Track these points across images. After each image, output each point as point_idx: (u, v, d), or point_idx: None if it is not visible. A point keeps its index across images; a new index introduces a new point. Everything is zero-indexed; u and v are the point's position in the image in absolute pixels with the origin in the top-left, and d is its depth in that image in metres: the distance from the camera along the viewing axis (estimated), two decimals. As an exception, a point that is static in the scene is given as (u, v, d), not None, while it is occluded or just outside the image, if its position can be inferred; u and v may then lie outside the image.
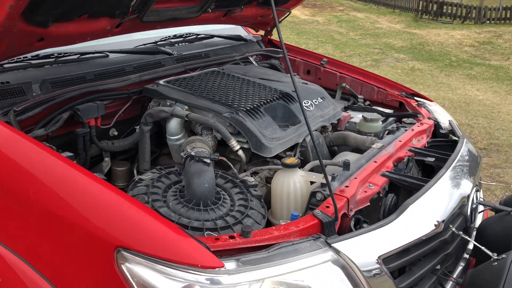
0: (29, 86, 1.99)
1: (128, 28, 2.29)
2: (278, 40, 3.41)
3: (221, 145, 2.16)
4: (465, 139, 2.32)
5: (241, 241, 1.40)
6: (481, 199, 2.06)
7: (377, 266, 1.47)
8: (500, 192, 4.47)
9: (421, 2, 16.25)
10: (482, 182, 2.36)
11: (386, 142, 2.21)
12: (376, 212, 1.91)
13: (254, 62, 3.04)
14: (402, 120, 2.63)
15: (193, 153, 1.78)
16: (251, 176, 2.00)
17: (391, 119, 2.72)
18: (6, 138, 1.62)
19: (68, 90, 2.04)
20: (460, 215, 1.85)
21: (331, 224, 1.52)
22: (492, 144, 5.65)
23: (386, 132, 2.48)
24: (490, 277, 1.56)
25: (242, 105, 2.13)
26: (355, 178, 1.81)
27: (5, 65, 2.05)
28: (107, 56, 2.44)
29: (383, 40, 12.86)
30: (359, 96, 3.02)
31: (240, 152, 2.01)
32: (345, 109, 2.85)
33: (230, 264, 1.31)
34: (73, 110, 2.04)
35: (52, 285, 1.42)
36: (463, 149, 2.21)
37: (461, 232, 1.75)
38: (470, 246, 2.01)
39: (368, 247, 1.51)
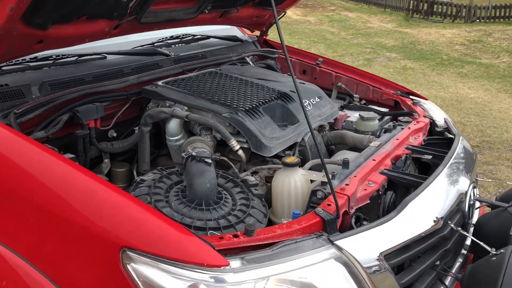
0: (28, 88, 1.99)
1: (126, 30, 2.30)
2: (273, 40, 3.44)
3: (220, 145, 2.18)
4: (460, 137, 2.35)
5: (245, 239, 1.41)
6: (477, 196, 2.09)
7: (379, 262, 1.50)
8: (493, 189, 4.52)
9: (411, 1, 16.36)
10: (478, 179, 2.39)
11: (384, 141, 2.23)
12: (375, 209, 1.94)
13: (250, 63, 3.06)
14: (398, 118, 2.66)
15: (194, 153, 1.80)
16: (252, 176, 2.01)
17: (387, 117, 2.75)
18: (8, 140, 1.62)
19: (67, 92, 2.05)
20: (458, 212, 1.89)
21: (333, 221, 1.54)
22: (485, 142, 5.71)
23: (383, 130, 2.51)
24: (489, 272, 1.59)
25: (241, 105, 2.15)
26: (355, 176, 1.83)
27: (4, 68, 2.05)
28: (105, 57, 2.44)
29: (375, 39, 12.93)
30: (354, 95, 3.04)
31: (240, 152, 2.03)
32: (341, 108, 2.87)
33: (235, 263, 1.33)
34: (72, 112, 2.05)
35: (57, 286, 1.42)
36: (459, 146, 2.25)
37: (459, 228, 1.77)
38: (468, 242, 2.04)
39: (370, 244, 1.53)
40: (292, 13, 15.96)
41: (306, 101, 2.38)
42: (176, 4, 2.39)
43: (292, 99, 2.35)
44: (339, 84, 3.11)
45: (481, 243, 1.70)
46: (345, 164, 1.89)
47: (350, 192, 1.70)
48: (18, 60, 2.11)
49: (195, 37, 3.05)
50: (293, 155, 2.19)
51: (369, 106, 2.92)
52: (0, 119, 1.80)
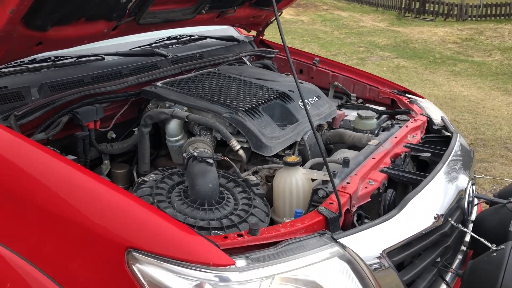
0: (28, 90, 1.99)
1: (125, 31, 2.30)
2: (270, 40, 3.45)
3: (219, 146, 2.19)
4: (458, 134, 2.37)
5: (250, 238, 1.42)
6: (476, 193, 2.11)
7: (382, 259, 1.51)
8: (488, 186, 4.56)
9: (404, 0, 16.43)
10: (476, 176, 2.42)
11: (382, 139, 2.25)
12: (375, 207, 1.95)
13: (248, 63, 3.06)
14: (396, 117, 2.68)
15: (195, 154, 1.80)
16: (253, 175, 2.02)
17: (384, 116, 2.77)
18: (10, 142, 1.62)
19: (67, 94, 2.05)
20: (458, 209, 1.91)
21: (335, 220, 1.56)
22: (479, 139, 5.75)
23: (381, 129, 2.53)
24: (490, 267, 1.61)
25: (241, 105, 2.16)
26: (356, 174, 1.85)
27: (2, 70, 2.04)
28: (103, 59, 2.44)
29: (368, 38, 12.98)
30: (352, 94, 3.06)
31: (241, 152, 2.03)
32: (339, 107, 2.89)
33: (240, 262, 1.34)
34: (72, 113, 2.04)
35: (61, 288, 1.43)
36: (457, 144, 2.27)
37: (459, 225, 1.79)
38: (467, 239, 2.06)
39: (372, 241, 1.54)
40: (285, 12, 15.89)
41: (305, 100, 2.39)
42: (174, 5, 2.40)
43: (291, 98, 2.36)
44: (336, 83, 3.13)
45: (482, 239, 1.71)
46: (345, 162, 1.90)
47: (351, 191, 1.71)
48: (17, 62, 2.10)
49: (192, 37, 3.06)
50: (293, 154, 2.20)
51: (366, 105, 2.93)
52: (0, 121, 1.79)
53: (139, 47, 2.73)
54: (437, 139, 2.52)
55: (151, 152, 2.38)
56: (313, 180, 1.91)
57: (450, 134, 2.47)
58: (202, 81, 2.45)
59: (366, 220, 1.73)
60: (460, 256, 2.01)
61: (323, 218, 1.55)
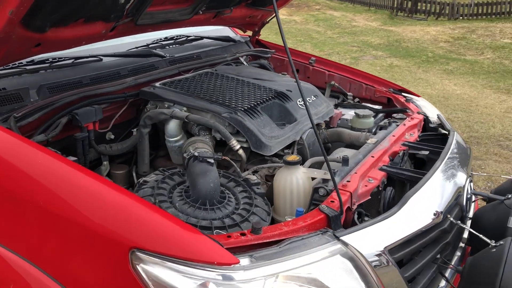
0: (27, 92, 1.98)
1: (122, 32, 2.30)
2: (266, 40, 3.45)
3: (218, 146, 2.19)
4: (455, 132, 2.39)
5: (253, 237, 1.43)
6: (474, 190, 2.13)
7: (384, 256, 1.52)
8: (483, 183, 4.60)
9: (395, -1, 16.55)
10: (473, 173, 2.44)
11: (380, 137, 2.27)
12: (374, 205, 1.96)
13: (245, 63, 3.07)
14: (392, 115, 2.69)
15: (196, 154, 1.81)
16: (253, 174, 2.03)
17: (380, 115, 2.79)
18: (11, 144, 1.62)
19: (66, 95, 2.04)
20: (457, 206, 1.93)
21: (337, 218, 1.57)
22: (472, 137, 5.80)
23: (378, 127, 2.54)
24: (489, 263, 1.62)
25: (240, 105, 2.16)
26: (355, 173, 1.86)
27: (0, 72, 2.03)
28: (101, 60, 2.44)
29: (361, 38, 13.04)
30: (348, 93, 3.08)
31: (241, 152, 2.04)
32: (336, 106, 2.90)
33: (244, 260, 1.34)
34: (71, 114, 2.04)
35: (65, 289, 1.43)
36: (454, 142, 2.29)
37: (459, 222, 1.81)
38: (465, 235, 2.08)
39: (374, 238, 1.55)
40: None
41: (302, 100, 2.40)
42: (172, 6, 2.40)
43: (289, 98, 2.37)
44: (332, 82, 3.14)
45: (481, 236, 1.73)
46: (345, 161, 1.91)
47: (352, 189, 1.72)
48: (15, 64, 2.10)
49: (188, 38, 3.06)
50: (292, 153, 2.21)
51: (363, 103, 2.95)
52: (0, 123, 1.79)
53: (136, 48, 2.73)
54: (433, 137, 2.54)
55: (150, 152, 2.38)
56: (313, 178, 1.92)
57: (446, 132, 2.50)
58: (200, 81, 2.45)
59: (366, 218, 1.74)
60: (458, 253, 2.03)
61: (324, 216, 1.56)
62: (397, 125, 2.47)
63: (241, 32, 3.54)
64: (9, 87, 1.98)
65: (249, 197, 1.79)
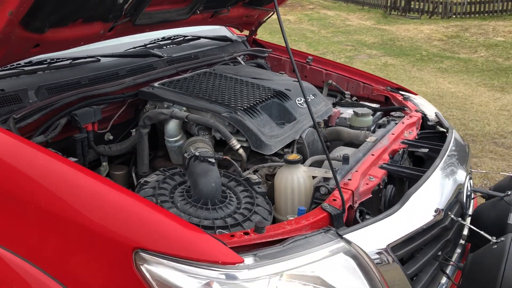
0: (25, 93, 1.97)
1: (120, 32, 2.29)
2: (263, 40, 3.45)
3: (217, 145, 2.19)
4: (453, 130, 2.40)
5: (256, 236, 1.43)
6: (473, 187, 2.14)
7: (386, 254, 1.53)
8: (479, 181, 4.62)
9: (389, -2, 16.60)
10: (472, 170, 2.46)
11: (380, 136, 2.27)
12: (375, 203, 1.97)
13: (242, 62, 3.07)
14: (390, 114, 2.70)
15: (197, 154, 1.81)
16: (254, 174, 2.03)
17: (378, 113, 2.80)
18: (10, 146, 1.61)
19: (65, 96, 2.03)
20: (457, 203, 1.94)
21: (339, 216, 1.57)
22: (468, 135, 5.82)
23: (377, 126, 2.55)
24: (491, 259, 1.63)
25: (239, 105, 2.16)
26: (356, 171, 1.86)
27: (-1, 73, 2.03)
28: (99, 60, 2.43)
29: (355, 37, 13.06)
30: (346, 92, 3.08)
31: (241, 151, 2.04)
32: (334, 105, 2.90)
33: (248, 259, 1.34)
34: (70, 115, 2.03)
35: (68, 290, 1.42)
36: (453, 139, 2.30)
37: (459, 219, 1.82)
38: (465, 232, 2.09)
39: (377, 236, 1.56)
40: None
41: (301, 99, 2.41)
42: (170, 6, 2.40)
43: (288, 97, 2.37)
44: (330, 81, 3.15)
45: (482, 232, 1.74)
46: (345, 159, 1.92)
47: (353, 187, 1.73)
48: (13, 65, 2.08)
49: (186, 38, 3.06)
50: (292, 152, 2.21)
51: (361, 102, 2.96)
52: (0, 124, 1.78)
53: (134, 48, 2.72)
54: (432, 135, 2.55)
55: (149, 153, 2.38)
56: (313, 177, 1.92)
57: (444, 130, 2.51)
58: (199, 81, 2.45)
59: (367, 216, 1.75)
60: (459, 250, 2.04)
61: (327, 214, 1.57)
62: (396, 123, 2.48)
63: (238, 32, 3.54)
64: (7, 89, 1.97)
65: (250, 196, 1.79)
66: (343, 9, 18.17)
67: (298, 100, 2.38)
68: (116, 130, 2.34)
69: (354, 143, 2.39)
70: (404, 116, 2.60)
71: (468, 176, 2.07)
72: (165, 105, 2.21)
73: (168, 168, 1.91)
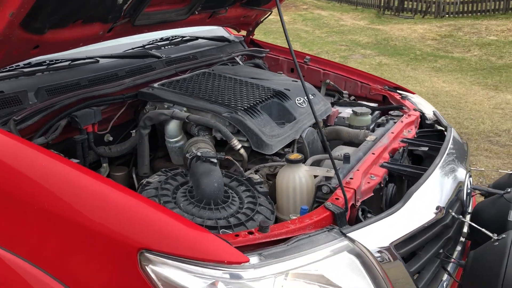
0: (25, 94, 1.96)
1: (119, 33, 2.29)
2: (260, 40, 3.46)
3: (218, 145, 2.19)
4: (452, 128, 2.42)
5: (260, 236, 1.43)
6: (473, 185, 2.16)
7: (390, 252, 1.54)
8: (474, 179, 4.65)
9: (382, -2, 16.66)
10: (472, 168, 2.47)
11: (379, 135, 2.28)
12: (375, 202, 1.98)
13: (240, 62, 3.08)
14: (389, 113, 2.71)
15: (199, 154, 1.81)
16: (255, 173, 2.03)
17: (376, 112, 2.81)
18: (12, 147, 1.60)
19: (65, 97, 2.03)
20: (458, 200, 1.95)
21: (342, 215, 1.58)
22: (463, 133, 5.86)
23: (376, 125, 2.56)
24: (493, 257, 1.64)
25: (239, 105, 2.17)
26: (358, 170, 1.87)
27: (-2, 75, 2.02)
28: (98, 61, 2.43)
29: (349, 37, 13.10)
30: (343, 91, 3.09)
31: (242, 151, 2.04)
32: (332, 104, 2.91)
33: (253, 259, 1.35)
34: (70, 117, 2.03)
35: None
36: (452, 137, 2.31)
37: (461, 216, 1.83)
38: (465, 230, 2.10)
39: (380, 234, 1.57)
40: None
41: (301, 99, 2.42)
42: (168, 6, 2.40)
43: (288, 97, 2.38)
44: (328, 81, 3.16)
45: (483, 230, 1.75)
46: (346, 158, 1.93)
47: (355, 186, 1.74)
48: (12, 67, 2.08)
49: (184, 38, 3.05)
50: (292, 152, 2.22)
51: (359, 101, 2.97)
52: (0, 126, 1.77)
53: (132, 49, 2.71)
54: (430, 133, 2.56)
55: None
56: (315, 176, 1.93)
57: (443, 128, 2.52)
58: (198, 81, 2.45)
59: (369, 215, 1.75)
60: (459, 247, 2.06)
61: (330, 213, 1.57)
62: (395, 122, 2.49)
63: (235, 32, 3.55)
64: (7, 90, 1.96)
65: (252, 196, 1.79)
66: (336, 9, 18.22)
67: (297, 100, 2.39)
68: (115, 131, 2.33)
69: (354, 142, 2.40)
70: (402, 115, 2.62)
71: (468, 174, 2.09)
72: (165, 106, 2.21)
73: (170, 168, 1.91)
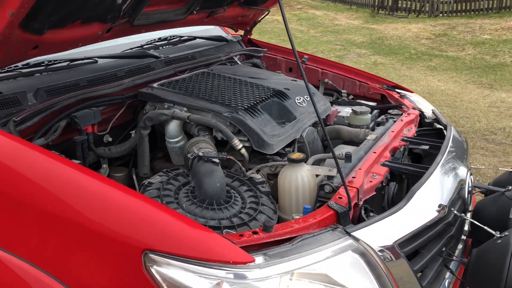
0: (24, 95, 1.95)
1: (118, 33, 2.28)
2: (258, 39, 3.45)
3: (218, 145, 2.18)
4: (452, 126, 2.43)
5: (265, 235, 1.43)
6: (474, 182, 2.16)
7: (394, 251, 1.53)
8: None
9: (376, -3, 16.69)
10: (472, 166, 2.48)
11: (379, 133, 2.29)
12: (377, 200, 1.98)
13: (239, 62, 3.07)
14: (388, 111, 2.72)
15: (201, 154, 1.80)
16: (257, 173, 2.02)
17: (375, 111, 2.81)
18: (12, 149, 1.59)
19: (64, 98, 2.01)
20: (459, 199, 1.95)
21: (346, 214, 1.58)
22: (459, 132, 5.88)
23: (376, 123, 2.56)
24: (496, 254, 1.65)
25: (240, 104, 2.16)
26: (360, 169, 1.87)
27: (-4, 76, 2.00)
28: (96, 61, 2.41)
29: (344, 36, 13.12)
30: (342, 90, 3.09)
31: (243, 151, 2.04)
32: (331, 104, 2.91)
33: (258, 259, 1.34)
34: (70, 117, 2.01)
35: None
36: (452, 135, 2.32)
37: (463, 214, 1.84)
38: (466, 228, 2.11)
39: (384, 233, 1.57)
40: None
41: (300, 98, 2.41)
42: (167, 6, 2.38)
43: (288, 96, 2.37)
44: (326, 80, 3.16)
45: (486, 228, 1.76)
46: (347, 157, 1.92)
47: (358, 184, 1.74)
48: (10, 67, 2.06)
49: (182, 38, 3.04)
50: (293, 151, 2.21)
51: (357, 101, 2.97)
52: (0, 127, 1.76)
53: (130, 49, 2.70)
54: (429, 132, 2.57)
55: (147, 154, 2.36)
56: (317, 176, 1.93)
57: (442, 127, 2.53)
58: (197, 81, 2.44)
59: (371, 214, 1.75)
60: (460, 245, 2.06)
61: (334, 212, 1.57)
62: (394, 121, 2.49)
63: (232, 32, 3.54)
64: (5, 91, 1.94)
65: (255, 196, 1.79)
66: (331, 8, 18.25)
67: (297, 99, 2.38)
68: (114, 132, 2.32)
69: (354, 141, 2.39)
70: (402, 114, 2.62)
71: (469, 172, 2.09)
72: (165, 106, 2.19)
73: (171, 169, 1.90)
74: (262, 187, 1.85)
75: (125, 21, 2.21)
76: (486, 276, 1.67)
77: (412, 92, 3.04)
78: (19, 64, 2.10)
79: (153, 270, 1.31)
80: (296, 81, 2.68)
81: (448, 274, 1.88)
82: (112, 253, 1.38)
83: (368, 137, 2.23)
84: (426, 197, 1.78)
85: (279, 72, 3.03)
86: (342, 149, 2.22)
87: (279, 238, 1.45)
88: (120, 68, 2.40)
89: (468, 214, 2.10)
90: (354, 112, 2.55)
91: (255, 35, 3.48)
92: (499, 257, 1.63)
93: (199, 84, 2.40)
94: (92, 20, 2.01)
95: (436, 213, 1.74)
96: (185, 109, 2.15)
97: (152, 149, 2.40)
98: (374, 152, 2.04)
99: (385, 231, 1.58)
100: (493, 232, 1.73)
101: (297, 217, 1.63)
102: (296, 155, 1.88)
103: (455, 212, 1.82)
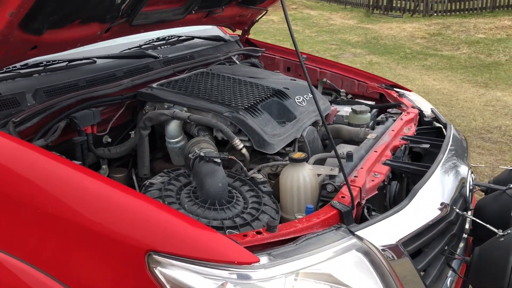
0: (23, 96, 1.93)
1: (117, 33, 2.26)
2: (255, 39, 3.45)
3: (218, 145, 2.17)
4: (451, 125, 2.43)
5: (268, 235, 1.42)
6: (475, 181, 2.17)
7: (398, 250, 1.53)
8: (469, 176, 4.67)
9: (371, -3, 16.73)
10: (472, 164, 2.48)
11: (380, 132, 2.29)
12: (378, 199, 1.98)
13: (237, 62, 3.06)
14: (387, 110, 2.72)
15: (202, 154, 1.79)
16: (258, 173, 2.02)
17: (374, 110, 2.81)
18: (13, 150, 1.57)
19: (64, 98, 2.00)
20: (461, 197, 1.95)
21: (349, 213, 1.57)
22: (455, 131, 5.89)
23: (376, 123, 2.56)
24: (498, 252, 1.65)
25: (240, 104, 2.15)
26: (361, 168, 1.87)
27: (-6, 76, 1.98)
28: (95, 62, 2.40)
29: (339, 36, 13.14)
30: (341, 90, 3.09)
31: (244, 151, 2.03)
32: (330, 103, 2.91)
33: (263, 259, 1.33)
34: (69, 118, 2.00)
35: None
36: (452, 134, 2.32)
37: (465, 213, 1.84)
38: (467, 226, 2.11)
39: (387, 232, 1.56)
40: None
41: (300, 97, 2.41)
42: (166, 6, 2.37)
43: (287, 96, 2.37)
44: (324, 79, 3.16)
45: (488, 226, 1.76)
46: (349, 156, 1.92)
47: (360, 184, 1.73)
48: (9, 68, 2.04)
49: (180, 38, 3.03)
50: (293, 151, 2.21)
51: (356, 100, 2.97)
52: (-1, 128, 1.74)
53: (128, 49, 2.69)
54: (429, 130, 2.57)
55: (147, 155, 2.35)
56: (318, 175, 1.92)
57: (441, 126, 2.53)
58: (197, 81, 2.43)
59: (373, 213, 1.75)
60: (462, 244, 2.06)
61: (337, 212, 1.57)
62: (394, 120, 2.49)
63: (230, 31, 3.53)
64: (4, 92, 1.93)
65: (256, 195, 1.78)
66: (325, 8, 18.27)
67: (297, 99, 2.38)
68: (114, 132, 2.31)
69: (354, 140, 2.39)
70: (401, 113, 2.62)
71: (470, 170, 2.10)
72: (165, 106, 2.18)
73: (172, 169, 1.89)
74: (264, 187, 1.84)
75: (124, 21, 2.20)
76: (489, 274, 1.67)
77: (410, 91, 3.04)
78: (18, 65, 2.08)
79: (157, 271, 1.30)
80: (295, 80, 2.68)
81: (450, 272, 1.88)
82: (113, 254, 1.36)
83: (369, 136, 2.23)
84: (428, 195, 1.78)
85: (277, 72, 3.02)
86: (342, 148, 2.22)
87: (283, 238, 1.44)
88: (119, 68, 2.39)
89: (469, 212, 2.11)
90: (354, 111, 2.55)
91: (251, 35, 3.48)
92: (502, 255, 1.63)
93: (199, 84, 2.39)
94: (91, 20, 2.00)
95: (439, 212, 1.74)
96: (185, 109, 2.14)
97: (152, 150, 2.39)
98: (375, 151, 2.04)
99: (389, 230, 1.57)
100: (496, 230, 1.74)
101: (300, 216, 1.62)
102: (298, 154, 1.88)
103: (457, 210, 1.82)
